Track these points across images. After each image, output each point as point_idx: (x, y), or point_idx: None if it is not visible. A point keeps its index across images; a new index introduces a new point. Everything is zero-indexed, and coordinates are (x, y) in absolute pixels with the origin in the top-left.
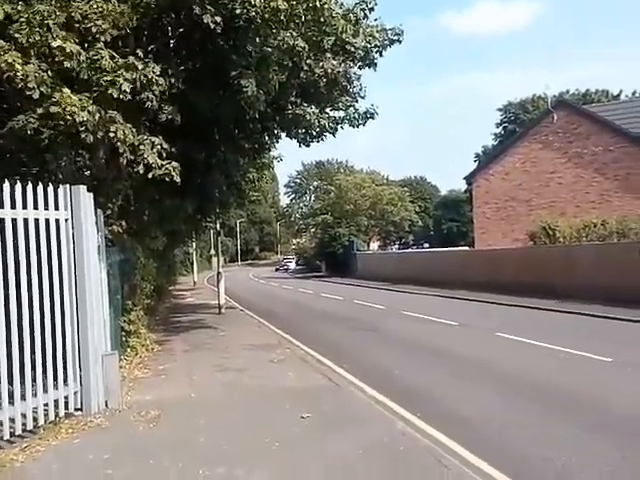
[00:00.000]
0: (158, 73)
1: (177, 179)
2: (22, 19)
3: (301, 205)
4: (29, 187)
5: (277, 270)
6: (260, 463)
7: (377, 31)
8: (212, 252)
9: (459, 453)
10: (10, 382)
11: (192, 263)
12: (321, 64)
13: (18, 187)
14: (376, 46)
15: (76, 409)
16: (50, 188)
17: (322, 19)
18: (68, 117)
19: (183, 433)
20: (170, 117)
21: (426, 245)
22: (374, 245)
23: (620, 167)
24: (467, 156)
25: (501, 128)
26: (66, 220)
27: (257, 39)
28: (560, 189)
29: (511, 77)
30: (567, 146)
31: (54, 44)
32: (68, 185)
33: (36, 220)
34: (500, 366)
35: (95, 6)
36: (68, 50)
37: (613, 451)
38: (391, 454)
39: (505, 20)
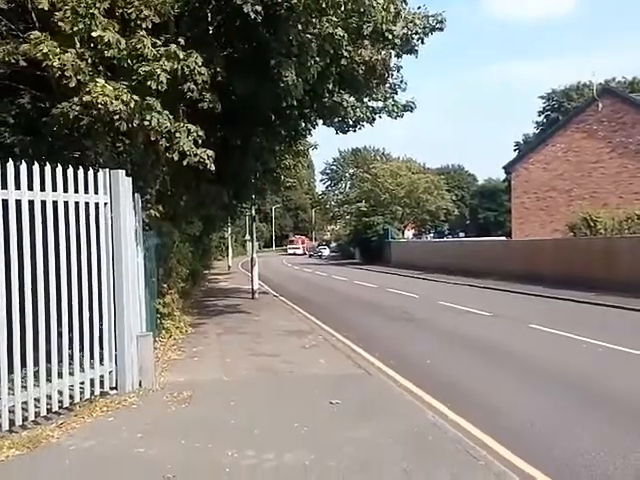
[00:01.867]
0: (200, 63)
1: (211, 167)
2: (67, 7)
3: (336, 192)
4: (70, 171)
5: (311, 256)
6: (289, 447)
7: (418, 18)
8: (247, 237)
9: (488, 444)
10: (48, 360)
11: (227, 248)
12: (360, 51)
13: (59, 170)
14: (416, 33)
15: (111, 388)
16: (90, 172)
17: (362, 9)
18: (100, 106)
19: (214, 414)
20: (211, 105)
21: (462, 234)
22: (409, 233)
23: None
24: (507, 145)
25: (543, 116)
26: (105, 204)
27: (297, 27)
28: (603, 179)
29: (555, 64)
30: (611, 135)
31: (94, 34)
32: (108, 169)
33: (76, 203)
34: (533, 359)
35: None
36: (107, 39)
37: None
38: (420, 444)
39: (548, 7)
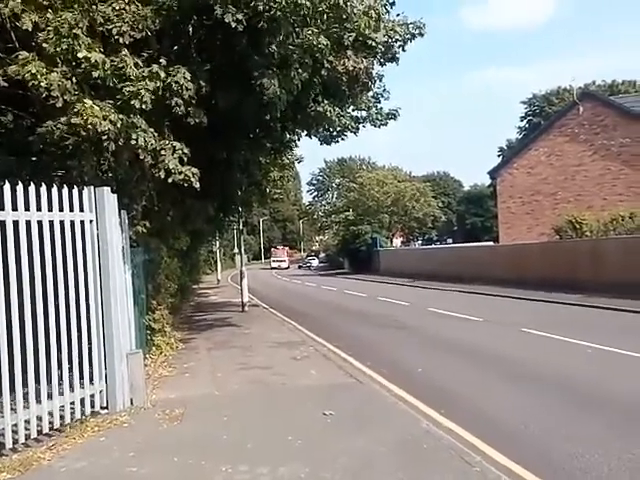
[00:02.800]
0: (189, 78)
1: (196, 185)
2: (50, 28)
3: (324, 202)
4: (54, 189)
5: (300, 267)
6: (283, 461)
7: (398, 25)
8: (235, 250)
9: (483, 450)
10: (37, 381)
11: (216, 262)
12: (342, 61)
13: (43, 189)
14: (397, 40)
15: (102, 407)
16: (75, 190)
17: (344, 16)
18: (90, 127)
19: (207, 431)
20: (198, 121)
21: (449, 241)
22: (397, 241)
23: None
24: (491, 150)
25: (525, 121)
26: (91, 221)
27: (279, 38)
28: (586, 182)
29: (534, 70)
30: (593, 138)
31: (80, 55)
32: (92, 187)
33: (61, 222)
34: (525, 363)
35: (117, 7)
36: (93, 60)
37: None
38: (415, 452)
39: (526, 13)
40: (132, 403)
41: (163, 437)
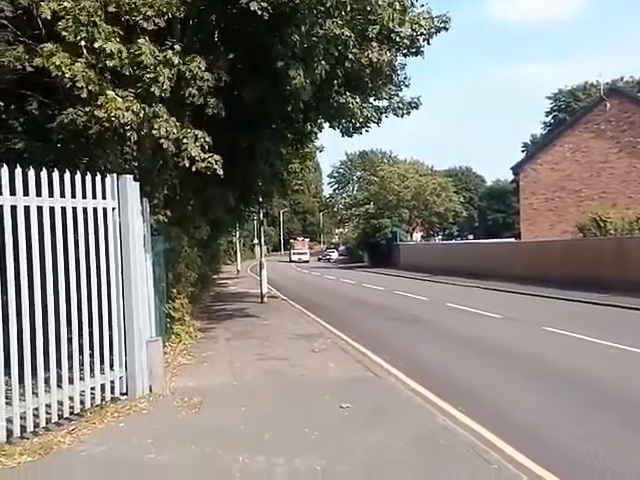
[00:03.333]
0: (204, 68)
1: (219, 172)
2: (69, 16)
3: (344, 195)
4: (78, 176)
5: (319, 260)
6: (299, 452)
7: (424, 18)
8: (255, 241)
9: (500, 447)
10: (58, 366)
11: (236, 252)
12: (366, 53)
13: (67, 176)
14: (422, 34)
15: (121, 393)
16: (98, 178)
17: (368, 7)
18: (114, 119)
19: (224, 420)
20: (215, 111)
21: (470, 237)
22: (417, 236)
23: None
24: (515, 146)
25: (551, 117)
26: (113, 209)
27: (302, 28)
28: (612, 179)
29: (562, 65)
30: (620, 135)
31: (96, 45)
32: (115, 175)
33: (84, 209)
34: (546, 361)
35: None
36: (108, 50)
37: None
38: (431, 447)
39: (553, 8)
40: (151, 390)
41: (181, 425)
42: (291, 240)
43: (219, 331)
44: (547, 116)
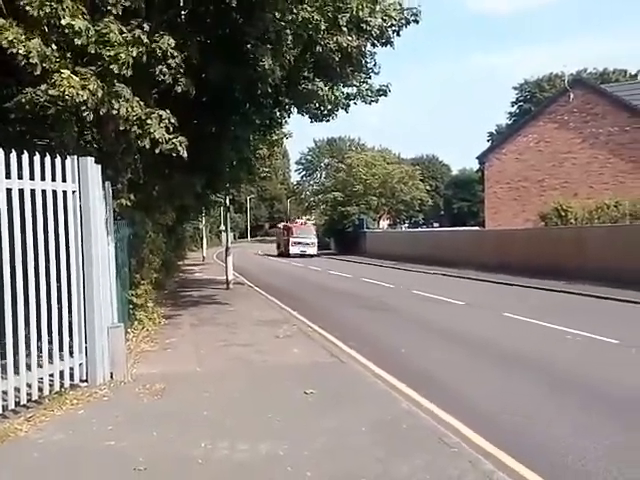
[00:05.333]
0: (173, 45)
1: (184, 154)
2: None
3: (312, 182)
4: (36, 158)
5: None
6: (263, 438)
7: (394, 10)
8: (222, 228)
9: (461, 431)
10: (16, 352)
11: (201, 238)
12: (335, 38)
13: (25, 158)
14: (392, 25)
15: (81, 380)
16: (58, 160)
17: None
18: (68, 98)
19: (187, 406)
20: (186, 89)
21: (436, 225)
22: (384, 224)
23: (636, 148)
24: (480, 135)
25: (516, 107)
26: (73, 192)
27: (273, 13)
28: (574, 170)
29: (528, 56)
30: (583, 126)
31: (63, 22)
32: (76, 157)
33: (43, 191)
34: (505, 346)
35: None
36: (77, 27)
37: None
38: (394, 432)
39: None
40: (112, 377)
41: (143, 411)
42: (283, 225)
43: (183, 317)
44: (513, 106)
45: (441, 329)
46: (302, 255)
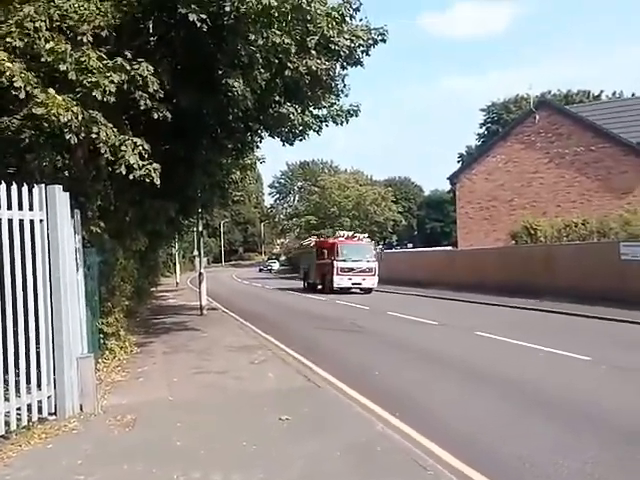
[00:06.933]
0: (152, 72)
1: (157, 181)
2: (11, 21)
3: (285, 206)
4: (2, 186)
5: (261, 270)
6: (237, 467)
7: (361, 30)
8: (195, 253)
9: (436, 453)
10: None
11: (175, 264)
12: (305, 61)
13: None
14: (360, 45)
15: (50, 413)
16: (25, 188)
17: (307, 17)
18: (53, 118)
19: (159, 437)
20: (162, 115)
21: (409, 245)
22: None
23: (601, 167)
24: (451, 156)
25: (484, 128)
26: (41, 221)
27: (244, 38)
28: (542, 189)
29: (495, 79)
30: (549, 146)
31: (47, 46)
32: (43, 185)
33: (10, 221)
34: (478, 365)
35: (76, 5)
36: (60, 50)
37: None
38: (369, 455)
39: (485, 23)
40: (82, 409)
41: (113, 444)
42: (316, 241)
43: (156, 345)
44: (481, 128)
45: (416, 350)
46: (354, 287)
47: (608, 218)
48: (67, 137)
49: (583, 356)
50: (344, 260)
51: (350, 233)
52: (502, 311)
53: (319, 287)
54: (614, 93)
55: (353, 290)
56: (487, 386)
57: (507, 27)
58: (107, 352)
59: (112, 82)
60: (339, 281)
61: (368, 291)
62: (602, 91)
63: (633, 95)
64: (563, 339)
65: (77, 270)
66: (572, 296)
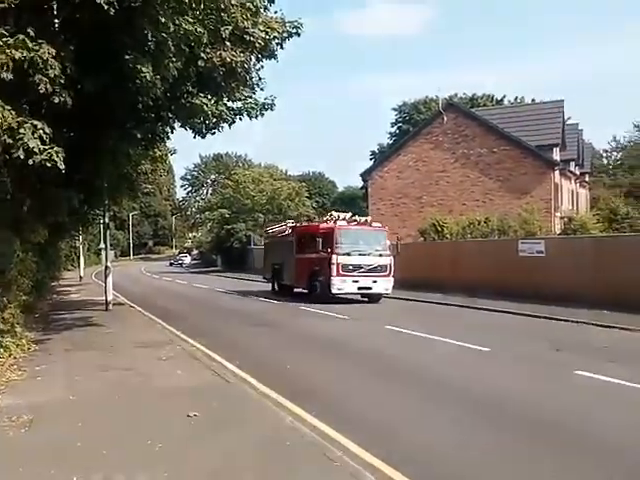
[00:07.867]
0: (54, 55)
1: (61, 165)
2: None
3: (198, 199)
4: None
5: (171, 264)
6: (141, 467)
7: (276, 22)
8: (101, 246)
9: (344, 445)
10: None
11: (79, 257)
12: (219, 53)
13: None
14: (275, 37)
15: None
16: None
17: (221, 5)
18: None
19: (58, 438)
20: (63, 100)
21: None
22: None
23: (502, 168)
24: (365, 153)
25: (396, 127)
26: None
27: (156, 23)
28: (448, 188)
29: (405, 79)
30: (455, 147)
31: None
32: None
33: None
34: (387, 357)
35: None
36: None
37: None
38: (278, 449)
39: (398, 24)
40: None
41: (8, 446)
42: (307, 225)
43: (57, 342)
44: (392, 126)
45: (326, 343)
46: (364, 290)
47: (508, 217)
48: None
49: (482, 347)
50: (347, 254)
51: (348, 215)
52: (411, 305)
53: (304, 291)
54: (516, 98)
55: (262, 298)
56: (397, 378)
57: (421, 30)
58: (1, 350)
59: (10, 58)
60: (340, 284)
61: (377, 299)
62: (504, 96)
63: (533, 101)
64: (463, 332)
65: None
66: (472, 290)
